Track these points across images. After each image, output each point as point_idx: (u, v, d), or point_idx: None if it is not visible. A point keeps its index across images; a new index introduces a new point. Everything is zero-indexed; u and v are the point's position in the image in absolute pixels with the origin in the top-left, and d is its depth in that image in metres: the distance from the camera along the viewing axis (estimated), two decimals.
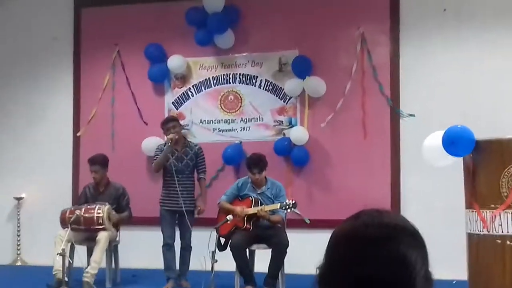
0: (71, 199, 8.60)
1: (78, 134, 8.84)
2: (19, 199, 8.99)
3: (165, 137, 7.18)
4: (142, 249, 8.13)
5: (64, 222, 6.99)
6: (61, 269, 6.68)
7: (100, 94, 8.75)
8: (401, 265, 1.20)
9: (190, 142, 7.36)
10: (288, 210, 6.58)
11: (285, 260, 6.64)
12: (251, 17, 8.33)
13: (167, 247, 7.11)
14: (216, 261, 6.51)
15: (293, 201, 6.54)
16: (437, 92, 7.67)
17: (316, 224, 7.62)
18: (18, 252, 9.01)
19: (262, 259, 6.78)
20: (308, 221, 7.57)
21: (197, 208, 7.16)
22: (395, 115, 7.79)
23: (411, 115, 7.70)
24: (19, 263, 8.98)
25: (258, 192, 6.81)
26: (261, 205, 6.68)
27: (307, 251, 7.52)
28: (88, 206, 7.07)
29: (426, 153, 5.19)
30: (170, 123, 7.11)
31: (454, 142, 4.73)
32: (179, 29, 8.43)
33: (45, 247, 7.91)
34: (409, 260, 1.20)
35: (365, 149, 7.87)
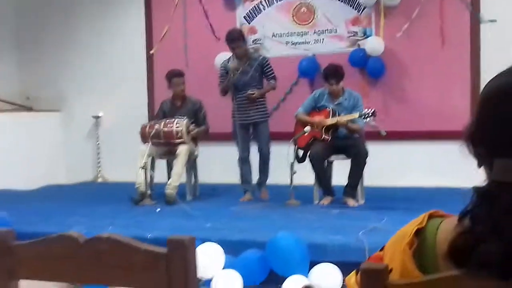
0: (147, 116, 8.72)
1: (151, 52, 8.88)
2: (97, 117, 9.19)
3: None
4: (220, 164, 8.22)
5: (144, 137, 7.12)
6: (143, 182, 6.86)
7: (171, 11, 8.71)
8: None
9: (254, 53, 7.25)
10: (368, 119, 6.48)
11: (364, 172, 6.63)
12: None
13: (242, 160, 7.16)
14: (295, 172, 6.57)
15: (373, 109, 6.44)
16: None
17: (393, 136, 7.54)
18: (99, 169, 9.27)
19: (340, 172, 6.78)
20: (384, 133, 7.45)
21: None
22: (474, 22, 7.50)
23: (492, 20, 7.39)
24: (100, 180, 9.25)
25: (336, 103, 6.73)
26: (339, 115, 6.61)
27: (384, 163, 7.54)
28: (167, 120, 7.15)
29: None
30: (234, 43, 6.99)
31: None
32: None
33: (124, 163, 8.12)
34: None
35: (443, 59, 7.65)
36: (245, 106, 7.02)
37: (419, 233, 1.25)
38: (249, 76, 6.99)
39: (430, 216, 1.28)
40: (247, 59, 7.04)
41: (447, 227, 1.22)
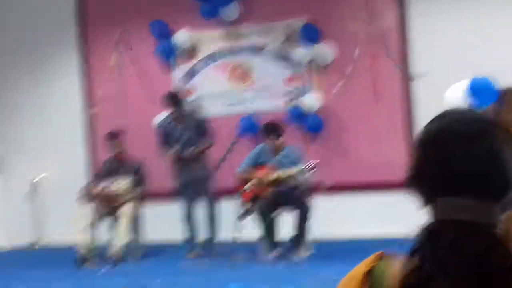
0: (88, 177, 8.60)
1: (90, 114, 8.86)
2: (36, 181, 9.04)
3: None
4: (164, 222, 8.14)
5: (88, 196, 7.04)
6: (86, 244, 6.75)
7: (108, 75, 8.76)
8: (495, 161, 1.18)
9: (192, 114, 7.37)
10: (309, 172, 6.62)
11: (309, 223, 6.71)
12: None
13: (187, 218, 7.17)
14: (241, 230, 6.61)
15: (314, 162, 6.59)
16: (448, 52, 7.69)
17: (335, 188, 7.70)
18: (39, 233, 9.05)
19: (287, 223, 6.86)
20: (326, 185, 7.62)
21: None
22: (405, 78, 7.83)
23: (421, 75, 7.71)
24: (40, 243, 9.02)
25: (277, 157, 6.85)
26: (281, 170, 6.72)
27: (329, 215, 7.65)
28: (110, 181, 7.11)
29: (448, 105, 5.25)
30: (171, 107, 7.14)
31: (480, 89, 4.78)
32: (184, 3, 8.42)
33: (66, 226, 7.95)
34: (504, 156, 1.18)
35: (377, 113, 7.92)
36: (186, 166, 7.08)
37: (369, 273, 1.26)
38: (187, 137, 7.09)
39: (378, 257, 1.28)
40: (184, 120, 7.13)
41: (395, 267, 1.24)
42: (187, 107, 7.45)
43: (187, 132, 7.10)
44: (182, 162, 7.09)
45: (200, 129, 7.19)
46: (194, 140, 7.15)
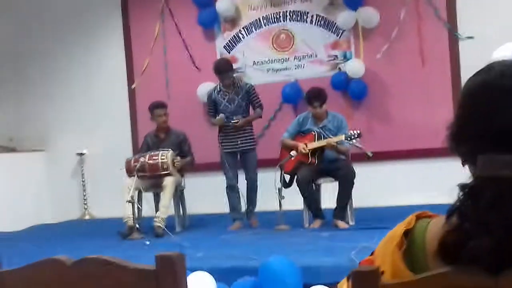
0: (131, 150, 8.69)
1: (132, 87, 8.89)
2: (81, 154, 9.15)
3: (219, 82, 7.15)
4: (207, 194, 8.18)
5: (129, 171, 7.08)
6: (131, 216, 6.82)
7: (151, 44, 8.75)
8: None
9: (241, 81, 7.28)
10: (354, 141, 6.51)
11: (352, 193, 6.63)
12: None
13: (230, 188, 7.13)
14: (283, 197, 6.57)
15: (358, 131, 6.48)
16: (496, 12, 7.41)
17: (380, 156, 7.55)
18: (85, 207, 9.21)
19: (329, 195, 6.78)
20: (371, 154, 7.47)
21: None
22: (453, 39, 7.59)
23: (469, 37, 7.48)
24: (87, 217, 9.17)
25: (320, 125, 6.75)
26: (324, 138, 6.63)
27: (371, 184, 7.55)
28: (152, 153, 7.14)
29: None
30: (223, 74, 7.03)
31: None
32: None
33: (111, 199, 8.06)
34: None
35: (424, 77, 7.71)
36: (232, 135, 7.04)
37: (407, 234, 1.25)
38: (235, 105, 7.03)
39: (418, 217, 1.28)
40: (234, 88, 7.07)
41: (435, 227, 1.23)
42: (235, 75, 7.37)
43: (236, 101, 7.04)
44: (228, 131, 7.04)
45: (249, 98, 7.12)
46: (243, 109, 7.08)
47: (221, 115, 6.98)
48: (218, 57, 8.44)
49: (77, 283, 1.37)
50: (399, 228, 1.27)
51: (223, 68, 7.05)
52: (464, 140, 1.21)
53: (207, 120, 8.40)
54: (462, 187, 1.18)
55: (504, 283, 1.06)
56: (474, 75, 1.24)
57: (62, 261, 1.39)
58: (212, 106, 7.16)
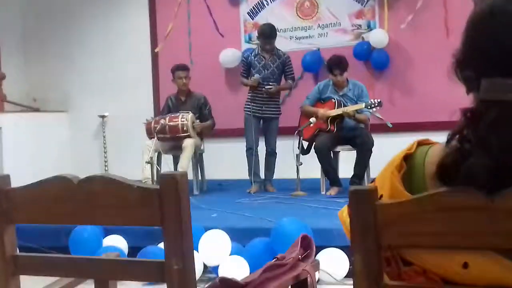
0: (153, 114, 8.73)
1: (156, 50, 8.91)
2: (103, 116, 9.22)
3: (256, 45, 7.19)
4: (226, 160, 8.21)
5: (149, 132, 7.13)
6: (150, 176, 6.87)
7: (175, 9, 8.74)
8: None
9: (279, 50, 7.28)
10: (374, 109, 6.50)
11: (369, 162, 6.62)
12: None
13: (250, 151, 7.16)
14: (301, 164, 6.58)
15: (379, 100, 6.45)
16: None
17: (399, 128, 7.51)
18: (106, 168, 9.29)
19: (346, 165, 6.79)
20: (390, 125, 7.44)
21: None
22: None
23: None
24: None
25: (340, 93, 6.74)
26: (344, 106, 6.62)
27: (390, 155, 7.51)
28: (172, 115, 7.17)
29: None
30: (269, 39, 7.06)
31: None
32: None
33: (132, 161, 8.11)
34: None
35: (449, 50, 7.51)
36: (260, 100, 7.08)
37: (408, 158, 1.26)
38: (269, 71, 7.06)
39: (419, 144, 1.29)
40: (272, 55, 7.09)
41: (435, 151, 1.24)
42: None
43: (271, 68, 7.07)
44: (257, 95, 7.07)
45: (283, 68, 7.16)
46: (275, 77, 7.12)
47: (257, 75, 7.01)
48: (242, 23, 8.43)
49: (84, 199, 1.41)
50: (399, 153, 1.27)
51: (269, 33, 7.09)
52: (469, 65, 1.22)
53: (229, 85, 8.45)
54: (464, 111, 1.18)
55: (500, 203, 1.07)
56: (480, 1, 1.24)
57: (69, 179, 1.42)
58: (247, 67, 7.22)
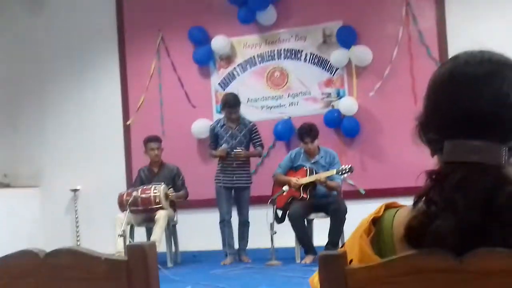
0: (126, 187, 8.67)
1: (128, 123, 8.94)
2: (75, 190, 9.14)
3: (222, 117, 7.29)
4: (200, 231, 8.14)
5: (122, 205, 7.08)
6: (123, 250, 6.77)
7: (147, 81, 8.82)
8: (505, 102, 1.16)
9: (244, 118, 7.35)
10: (345, 175, 6.54)
11: (344, 229, 6.62)
12: None
13: (224, 223, 7.13)
14: (275, 232, 6.55)
15: (349, 166, 6.50)
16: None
17: (372, 194, 7.55)
18: (78, 243, 9.15)
19: (321, 232, 6.77)
20: (363, 192, 7.50)
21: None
22: None
23: None
24: None
25: (312, 161, 6.80)
26: (316, 173, 6.65)
27: None
28: (145, 187, 7.14)
29: None
30: (233, 108, 7.13)
31: None
32: (221, 9, 8.45)
33: (104, 235, 8.02)
34: None
35: (416, 115, 7.75)
36: (230, 170, 7.08)
37: (376, 222, 1.27)
38: (237, 141, 7.09)
39: (387, 207, 1.29)
40: (238, 124, 7.14)
41: (403, 214, 1.24)
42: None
43: (239, 137, 7.11)
44: (226, 166, 7.07)
45: (251, 137, 7.21)
46: (244, 146, 7.16)
47: (225, 145, 7.04)
48: (213, 94, 8.52)
49: (50, 274, 1.37)
50: (368, 217, 1.28)
51: (233, 102, 7.17)
52: (431, 128, 1.23)
53: (201, 156, 8.47)
54: (429, 173, 1.20)
55: (468, 264, 1.06)
56: (440, 65, 1.27)
57: (35, 252, 1.39)
58: (214, 139, 7.23)
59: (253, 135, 7.22)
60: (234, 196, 7.22)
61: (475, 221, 1.09)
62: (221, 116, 7.53)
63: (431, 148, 1.25)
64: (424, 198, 1.18)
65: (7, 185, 9.39)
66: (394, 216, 1.26)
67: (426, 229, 1.12)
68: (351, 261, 1.22)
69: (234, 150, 7.02)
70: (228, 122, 7.16)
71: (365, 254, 1.21)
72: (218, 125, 7.24)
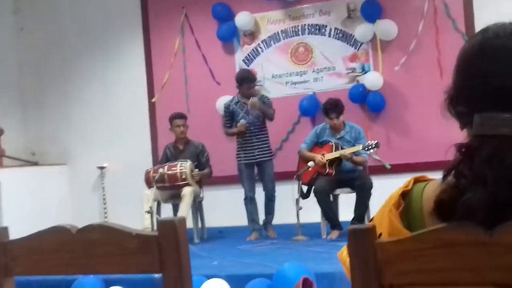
0: (151, 164, 8.73)
1: (153, 100, 8.97)
2: (102, 168, 9.23)
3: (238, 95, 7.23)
4: (225, 207, 8.18)
5: (148, 182, 7.13)
6: (150, 226, 6.85)
7: (171, 59, 8.83)
8: None
9: (257, 94, 7.33)
10: (371, 150, 6.52)
11: (369, 204, 6.61)
12: None
13: (248, 200, 7.15)
14: (301, 208, 6.56)
15: (376, 141, 6.48)
16: None
17: (397, 169, 7.53)
18: (106, 219, 9.24)
19: (346, 207, 6.77)
20: (389, 167, 7.48)
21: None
22: None
23: None
24: None
25: (337, 137, 6.77)
26: (341, 149, 6.64)
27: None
28: (171, 164, 7.19)
29: None
30: (248, 84, 7.11)
31: None
32: None
33: (131, 211, 8.09)
34: None
35: (443, 89, 7.65)
36: (250, 145, 7.08)
37: (405, 196, 1.27)
38: (253, 116, 7.07)
39: (416, 181, 1.29)
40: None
41: (432, 187, 1.24)
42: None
43: (254, 112, 7.08)
44: (246, 142, 7.07)
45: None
46: (260, 121, 7.14)
47: (242, 120, 7.03)
48: (237, 70, 8.50)
49: (82, 249, 1.40)
50: (397, 191, 1.28)
51: (247, 78, 7.15)
52: (461, 101, 1.23)
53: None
54: (459, 147, 1.19)
55: (498, 237, 1.06)
56: (470, 38, 1.26)
57: (67, 229, 1.42)
58: (229, 117, 7.22)
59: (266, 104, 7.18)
60: (258, 171, 7.22)
61: (505, 195, 1.09)
62: None
63: (461, 121, 1.24)
64: (453, 171, 1.18)
65: (35, 163, 9.51)
66: (423, 190, 1.26)
67: (456, 203, 1.12)
68: (380, 234, 1.23)
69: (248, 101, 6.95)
70: (243, 99, 7.14)
71: (395, 227, 1.22)
72: (233, 103, 7.22)
